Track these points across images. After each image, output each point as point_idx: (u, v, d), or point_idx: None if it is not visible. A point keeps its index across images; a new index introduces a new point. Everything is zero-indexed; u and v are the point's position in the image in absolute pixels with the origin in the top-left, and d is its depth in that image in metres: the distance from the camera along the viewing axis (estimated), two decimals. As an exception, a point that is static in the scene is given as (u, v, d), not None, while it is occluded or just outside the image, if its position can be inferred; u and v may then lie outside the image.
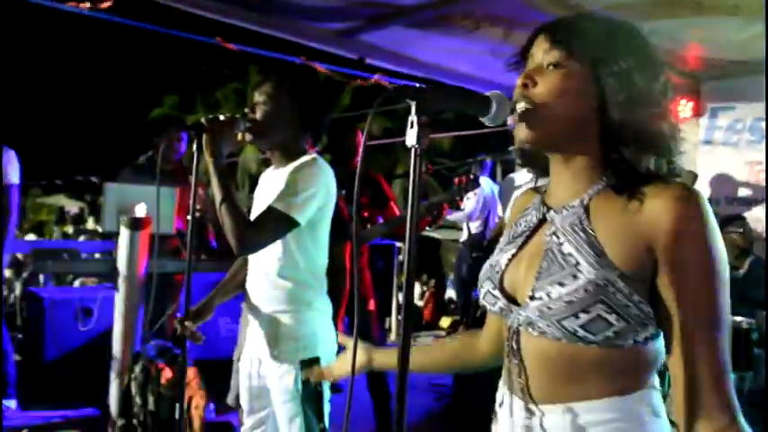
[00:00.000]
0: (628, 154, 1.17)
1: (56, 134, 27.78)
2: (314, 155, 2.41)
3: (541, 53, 1.21)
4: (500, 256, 1.29)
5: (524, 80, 1.20)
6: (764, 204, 5.36)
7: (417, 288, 9.54)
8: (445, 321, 8.67)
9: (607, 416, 1.13)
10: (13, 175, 4.16)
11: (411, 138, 1.09)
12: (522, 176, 3.86)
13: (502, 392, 1.29)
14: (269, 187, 2.36)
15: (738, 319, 4.01)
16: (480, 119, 1.23)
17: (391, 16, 4.51)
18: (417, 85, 1.14)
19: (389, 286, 7.38)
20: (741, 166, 5.59)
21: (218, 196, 2.19)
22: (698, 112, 5.82)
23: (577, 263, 1.12)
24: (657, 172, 1.17)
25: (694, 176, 5.20)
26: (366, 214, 4.22)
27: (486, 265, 1.32)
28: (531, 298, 1.16)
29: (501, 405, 1.28)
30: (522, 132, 1.20)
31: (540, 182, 1.43)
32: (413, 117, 1.10)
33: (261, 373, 2.37)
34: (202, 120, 2.23)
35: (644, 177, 1.15)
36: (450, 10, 4.32)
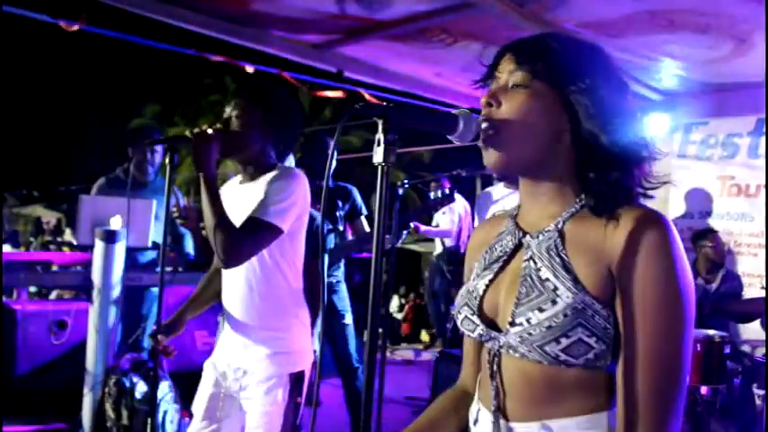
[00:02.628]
0: (602, 173, 1.17)
1: (33, 144, 27.53)
2: (289, 165, 2.43)
3: (506, 74, 1.22)
4: (477, 282, 1.28)
5: (488, 99, 1.21)
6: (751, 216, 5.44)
7: (396, 301, 9.54)
8: (425, 335, 8.68)
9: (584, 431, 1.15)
10: None
11: (378, 156, 1.11)
12: (499, 191, 3.87)
13: (476, 410, 1.30)
14: (243, 199, 2.36)
15: (711, 332, 4.05)
16: (448, 137, 1.25)
17: (369, 30, 4.54)
18: (385, 103, 1.16)
19: (367, 299, 7.35)
20: (714, 180, 5.66)
21: (207, 208, 2.20)
22: (671, 128, 5.90)
23: (555, 288, 1.13)
24: (630, 193, 1.17)
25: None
26: (341, 228, 4.25)
27: (462, 291, 1.32)
28: (512, 324, 1.16)
29: (476, 423, 1.29)
30: (490, 157, 1.21)
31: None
32: (380, 135, 1.12)
33: (242, 384, 2.36)
34: (187, 133, 2.24)
35: (616, 200, 1.15)
36: (428, 24, 4.36)
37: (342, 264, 4.28)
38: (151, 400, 2.47)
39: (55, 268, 4.45)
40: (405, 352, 7.92)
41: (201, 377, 2.48)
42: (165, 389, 3.35)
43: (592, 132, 1.16)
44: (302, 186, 2.34)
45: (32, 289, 6.92)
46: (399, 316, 9.19)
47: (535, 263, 1.18)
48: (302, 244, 2.43)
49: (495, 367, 1.22)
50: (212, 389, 2.42)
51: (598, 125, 1.15)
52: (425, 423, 1.44)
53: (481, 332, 1.24)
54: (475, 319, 1.25)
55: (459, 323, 1.30)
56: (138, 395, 3.37)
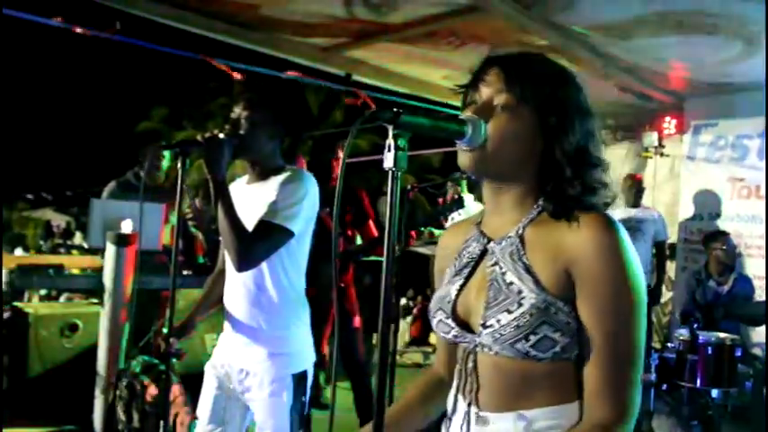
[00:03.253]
0: (563, 186, 1.27)
1: (42, 147, 27.66)
2: (297, 168, 2.45)
3: (493, 90, 1.29)
4: (449, 288, 1.37)
5: (478, 117, 1.26)
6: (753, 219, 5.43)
7: (404, 304, 9.54)
8: (434, 337, 8.65)
9: (553, 421, 1.24)
10: None
11: (388, 161, 1.12)
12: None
13: (453, 401, 1.39)
14: (253, 200, 2.38)
15: (722, 335, 4.04)
16: (456, 142, 1.27)
17: (377, 33, 4.56)
18: (395, 108, 1.18)
19: (377, 303, 7.35)
20: (723, 182, 5.65)
21: (221, 213, 2.22)
22: (681, 129, 5.90)
23: (520, 290, 1.22)
24: (584, 202, 1.26)
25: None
26: (349, 232, 4.27)
27: (435, 296, 1.41)
28: (484, 326, 1.25)
29: (453, 413, 1.38)
30: (465, 160, 1.28)
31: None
32: (390, 140, 1.13)
33: (246, 385, 2.38)
34: (198, 137, 2.25)
35: (572, 204, 1.25)
36: (436, 27, 4.38)
37: (349, 267, 4.30)
38: (162, 402, 2.48)
39: (66, 271, 4.48)
40: (414, 355, 7.92)
41: (204, 379, 2.50)
42: (175, 391, 3.37)
43: (562, 157, 1.26)
44: (312, 189, 2.36)
45: (42, 291, 6.96)
46: (408, 319, 9.17)
47: (501, 267, 1.28)
48: (308, 245, 2.44)
49: (470, 363, 1.32)
50: (216, 391, 2.44)
51: (568, 152, 1.26)
52: (403, 408, 1.54)
53: (456, 333, 1.33)
54: (449, 322, 1.34)
55: (434, 326, 1.39)
56: (148, 397, 3.39)
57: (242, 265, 2.24)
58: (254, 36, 4.59)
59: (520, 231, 1.29)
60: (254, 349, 2.36)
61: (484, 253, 1.35)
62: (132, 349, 3.72)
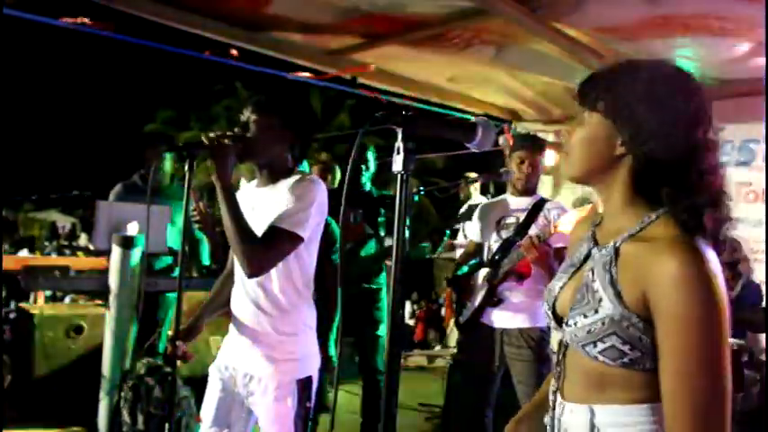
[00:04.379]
0: (660, 195, 1.32)
1: (47, 148, 27.73)
2: (307, 172, 2.45)
3: (578, 107, 1.43)
4: (555, 282, 1.52)
5: (565, 132, 1.47)
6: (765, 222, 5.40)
7: (408, 306, 9.53)
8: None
9: (618, 419, 1.32)
10: None
11: (398, 164, 1.12)
12: (517, 201, 3.78)
13: (551, 390, 1.51)
14: (262, 204, 2.38)
15: (729, 340, 4.02)
16: (466, 145, 1.26)
17: (384, 35, 4.56)
18: (404, 111, 1.17)
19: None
20: (730, 187, 5.61)
21: (227, 217, 2.21)
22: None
23: (600, 299, 1.31)
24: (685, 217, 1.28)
25: None
26: (382, 235, 4.28)
27: (548, 285, 1.55)
28: (566, 324, 1.38)
29: (552, 400, 1.51)
30: (564, 168, 1.46)
31: None
32: (399, 143, 1.13)
33: (250, 389, 2.37)
34: (203, 139, 2.25)
35: (661, 229, 1.29)
36: (442, 30, 4.37)
37: (383, 271, 4.31)
38: (168, 404, 2.49)
39: (72, 273, 4.48)
40: (418, 358, 7.91)
41: (208, 381, 2.49)
42: (180, 393, 3.37)
43: (642, 155, 1.32)
44: (321, 194, 2.35)
45: (47, 293, 6.97)
46: (411, 322, 9.16)
47: (593, 274, 1.37)
48: (316, 249, 2.44)
49: (560, 356, 1.46)
50: (220, 394, 2.43)
51: (647, 148, 1.31)
52: (534, 406, 1.70)
53: (553, 326, 1.49)
54: (549, 313, 1.50)
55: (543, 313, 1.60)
56: (153, 400, 3.39)
57: (252, 272, 2.24)
58: (259, 38, 4.58)
59: (617, 244, 1.35)
60: (259, 353, 2.35)
61: (587, 257, 1.45)
62: (137, 351, 3.72)
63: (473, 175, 6.33)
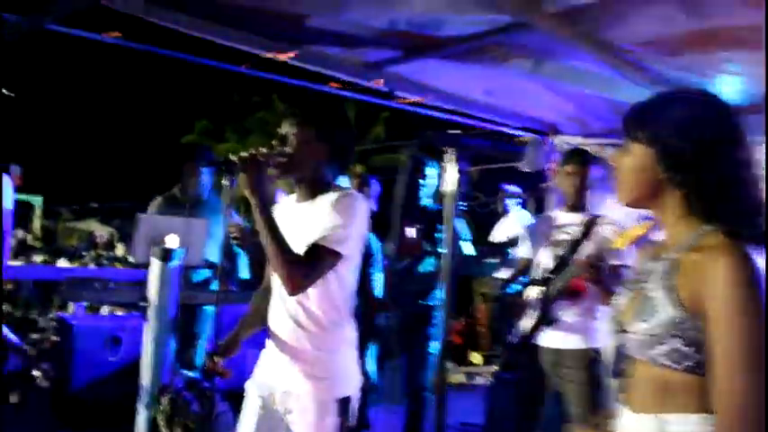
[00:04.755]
0: (710, 209, 1.44)
1: (87, 159, 28.20)
2: (347, 187, 2.43)
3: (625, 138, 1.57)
4: (622, 295, 1.62)
5: (614, 158, 1.60)
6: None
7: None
8: (475, 357, 8.49)
9: (693, 428, 1.38)
10: (8, 201, 4.34)
11: (448, 184, 1.10)
12: (565, 216, 3.64)
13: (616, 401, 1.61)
14: (302, 220, 2.36)
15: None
16: (516, 165, 1.24)
17: (422, 49, 4.54)
18: (453, 130, 1.15)
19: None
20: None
21: (264, 235, 2.19)
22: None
23: (660, 305, 1.41)
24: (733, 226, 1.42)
25: None
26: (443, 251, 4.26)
27: (613, 302, 1.66)
28: (629, 332, 1.48)
29: (619, 411, 1.58)
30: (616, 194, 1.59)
31: None
32: (449, 163, 1.10)
33: (288, 407, 2.34)
34: (233, 157, 2.24)
35: (714, 238, 1.41)
36: (481, 43, 4.33)
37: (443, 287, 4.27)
38: (206, 420, 2.48)
39: (112, 285, 4.52)
40: (457, 375, 7.79)
41: (245, 398, 2.48)
42: (218, 408, 3.36)
43: (686, 181, 1.45)
44: (363, 210, 2.33)
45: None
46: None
47: (653, 285, 1.47)
48: (357, 267, 2.41)
49: (624, 366, 1.54)
50: (260, 411, 2.40)
51: (689, 174, 1.44)
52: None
53: (618, 338, 1.56)
54: (614, 326, 1.58)
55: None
56: (191, 414, 3.39)
57: (293, 290, 2.22)
58: (297, 51, 4.59)
59: (675, 255, 1.46)
60: (298, 371, 2.33)
61: (648, 271, 1.54)
62: (176, 364, 3.73)
63: (513, 188, 6.28)
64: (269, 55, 4.45)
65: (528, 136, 1.40)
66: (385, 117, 20.61)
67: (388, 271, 3.99)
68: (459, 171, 1.10)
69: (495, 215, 7.13)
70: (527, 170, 1.24)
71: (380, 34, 4.31)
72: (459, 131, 1.09)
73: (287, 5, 3.98)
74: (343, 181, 3.15)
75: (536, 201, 6.49)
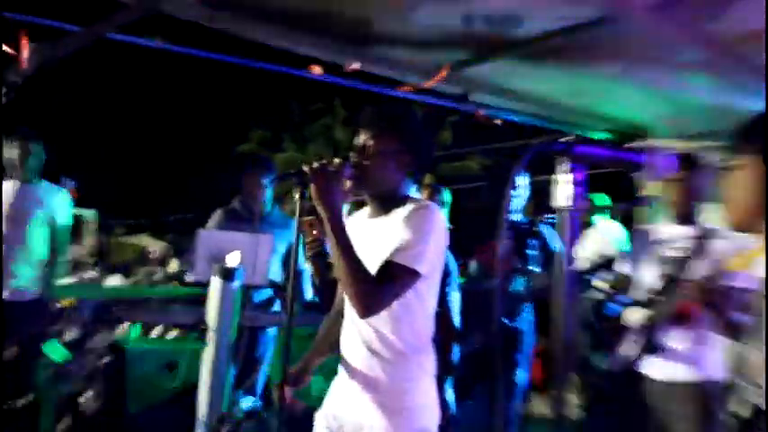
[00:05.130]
0: None
1: (139, 171, 28.98)
2: (422, 199, 2.38)
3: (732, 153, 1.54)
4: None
5: (721, 178, 1.54)
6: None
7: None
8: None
9: None
10: (66, 216, 4.92)
11: (561, 199, 1.03)
12: (672, 230, 3.49)
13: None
14: (376, 236, 2.31)
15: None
16: (632, 174, 1.17)
17: (498, 49, 4.47)
18: (564, 139, 1.08)
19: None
20: None
21: (336, 253, 2.15)
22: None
23: None
24: None
25: None
26: (534, 269, 4.20)
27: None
28: None
29: None
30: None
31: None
32: (562, 174, 1.04)
33: None
34: (305, 168, 2.21)
35: None
36: (563, 41, 4.24)
37: (531, 309, 4.19)
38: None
39: (169, 306, 4.58)
40: (538, 405, 7.64)
41: (314, 430, 2.44)
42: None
43: None
44: (440, 223, 2.27)
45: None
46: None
47: None
48: (437, 286, 2.36)
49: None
50: None
51: None
52: None
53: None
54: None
55: None
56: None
57: (365, 312, 2.16)
58: (364, 54, 4.58)
59: None
60: (371, 402, 2.28)
61: None
62: (236, 392, 3.72)
63: (602, 197, 6.13)
64: (335, 61, 4.46)
65: (646, 143, 1.34)
66: (452, 122, 20.57)
67: (467, 292, 3.91)
68: (576, 183, 1.03)
69: (582, 227, 6.99)
70: (643, 180, 1.16)
71: (454, 35, 4.27)
72: (572, 138, 1.03)
73: (353, 8, 3.97)
74: (413, 192, 3.10)
75: (621, 212, 6.35)
